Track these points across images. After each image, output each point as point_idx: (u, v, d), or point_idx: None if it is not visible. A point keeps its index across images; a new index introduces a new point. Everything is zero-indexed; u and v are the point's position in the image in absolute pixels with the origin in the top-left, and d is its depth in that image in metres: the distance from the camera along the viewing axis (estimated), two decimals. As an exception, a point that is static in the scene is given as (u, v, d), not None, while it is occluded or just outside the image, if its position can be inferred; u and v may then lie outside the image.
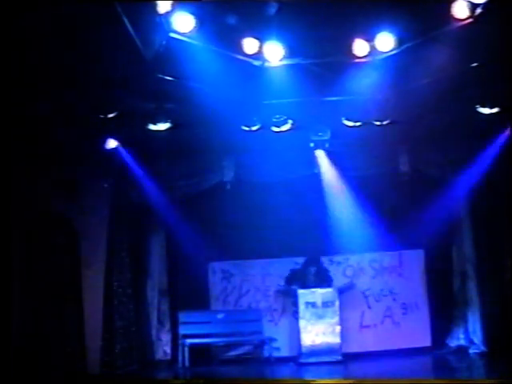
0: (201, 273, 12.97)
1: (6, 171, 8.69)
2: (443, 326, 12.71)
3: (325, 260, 13.16)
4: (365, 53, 8.79)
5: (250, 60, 8.79)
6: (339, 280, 12.97)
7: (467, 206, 12.60)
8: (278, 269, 13.16)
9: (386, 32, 8.49)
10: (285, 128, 10.76)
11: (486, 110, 10.29)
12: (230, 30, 8.33)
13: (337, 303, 12.40)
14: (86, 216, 11.30)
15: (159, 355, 12.55)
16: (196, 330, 12.40)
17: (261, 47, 8.65)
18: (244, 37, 8.54)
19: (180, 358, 12.15)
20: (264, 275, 13.14)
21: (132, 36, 7.65)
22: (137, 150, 11.28)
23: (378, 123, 10.72)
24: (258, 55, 8.74)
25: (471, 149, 11.59)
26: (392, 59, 8.78)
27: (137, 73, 8.69)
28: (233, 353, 12.69)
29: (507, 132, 11.12)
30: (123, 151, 11.17)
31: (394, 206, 12.45)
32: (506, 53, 8.48)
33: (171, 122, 10.44)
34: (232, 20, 8.15)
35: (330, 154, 11.90)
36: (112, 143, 10.91)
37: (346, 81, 9.28)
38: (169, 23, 7.93)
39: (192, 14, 7.94)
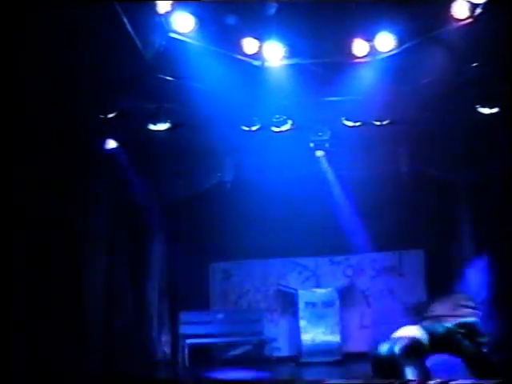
0: (201, 273, 12.96)
1: (6, 171, 8.68)
2: (443, 325, 12.69)
3: (325, 260, 13.17)
4: (365, 53, 8.81)
5: (250, 60, 8.80)
6: (339, 280, 12.97)
7: (467, 205, 12.59)
8: (278, 269, 13.17)
9: (386, 32, 8.50)
10: (285, 128, 10.76)
11: (486, 110, 10.29)
12: (229, 30, 8.36)
13: (337, 303, 12.41)
14: (86, 216, 11.28)
15: (159, 355, 12.54)
16: (196, 330, 12.40)
17: (260, 47, 8.67)
18: (244, 37, 8.56)
19: (180, 358, 12.15)
20: (264, 275, 13.14)
21: (132, 36, 7.66)
22: (137, 150, 11.27)
23: (377, 123, 10.72)
24: (258, 55, 8.75)
25: (471, 149, 11.58)
26: (392, 59, 8.78)
27: (137, 73, 8.69)
28: (233, 353, 12.69)
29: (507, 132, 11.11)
30: (123, 151, 11.15)
31: (394, 206, 12.44)
32: (506, 53, 8.48)
33: (171, 122, 10.44)
34: (232, 20, 8.17)
35: (330, 154, 11.90)
36: (112, 143, 10.90)
37: (346, 81, 9.28)
38: (169, 23, 7.95)
39: (192, 14, 7.96)
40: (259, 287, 13.16)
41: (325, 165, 12.07)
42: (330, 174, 12.22)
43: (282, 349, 12.74)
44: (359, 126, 10.82)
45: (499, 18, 7.90)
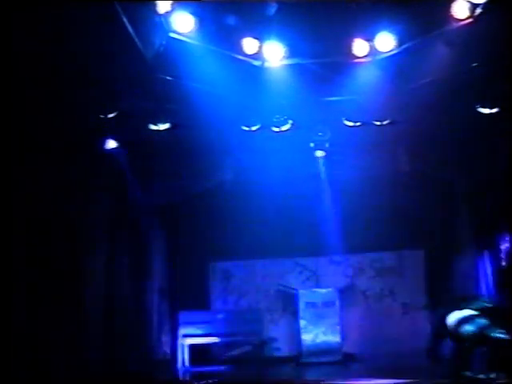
0: (201, 273, 12.96)
1: (6, 171, 8.68)
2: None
3: (325, 260, 13.17)
4: (365, 53, 8.81)
5: (250, 60, 8.80)
6: (339, 280, 12.97)
7: (467, 205, 12.59)
8: (278, 269, 13.17)
9: (386, 32, 8.51)
10: (285, 128, 10.76)
11: (486, 110, 10.29)
12: (229, 30, 8.36)
13: (337, 303, 12.41)
14: (86, 216, 11.28)
15: (159, 355, 12.54)
16: (196, 330, 12.40)
17: (260, 47, 8.67)
18: (244, 37, 8.56)
19: (180, 358, 12.15)
20: (264, 275, 13.14)
21: (132, 36, 7.66)
22: (137, 150, 11.28)
23: (378, 123, 10.73)
24: (258, 55, 8.76)
25: (471, 149, 11.58)
26: (392, 59, 8.79)
27: (137, 73, 8.69)
28: (233, 353, 12.68)
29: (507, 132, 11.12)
30: (123, 151, 11.15)
31: (394, 206, 12.44)
32: (506, 53, 8.49)
33: (171, 122, 10.45)
34: (232, 20, 8.17)
35: (330, 154, 11.90)
36: (112, 143, 10.91)
37: (346, 81, 9.29)
38: (169, 23, 7.95)
39: (192, 14, 7.96)
40: (259, 287, 13.16)
41: (325, 165, 12.08)
42: (330, 174, 12.22)
43: (282, 349, 12.74)
44: (359, 125, 10.83)
45: (499, 18, 7.91)
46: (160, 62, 8.43)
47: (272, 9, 7.98)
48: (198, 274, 12.89)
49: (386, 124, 10.73)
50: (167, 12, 7.86)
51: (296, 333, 12.48)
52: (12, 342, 8.83)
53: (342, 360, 12.02)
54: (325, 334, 12.29)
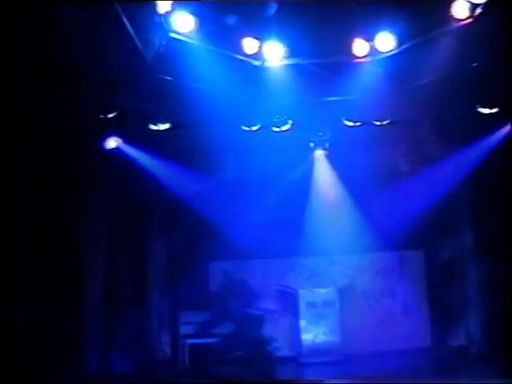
0: (201, 273, 12.96)
1: (6, 171, 8.68)
2: (443, 326, 12.71)
3: (325, 260, 13.17)
4: (365, 53, 8.82)
5: (250, 60, 8.81)
6: (339, 280, 12.97)
7: (467, 205, 12.59)
8: (278, 269, 13.16)
9: (386, 32, 8.51)
10: (285, 128, 10.77)
11: (486, 110, 10.30)
12: (229, 30, 8.36)
13: (337, 303, 12.40)
14: (86, 216, 11.29)
15: (159, 355, 12.53)
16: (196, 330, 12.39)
17: (261, 47, 8.67)
18: (244, 37, 8.56)
19: (180, 358, 12.15)
20: (264, 275, 13.13)
21: (132, 36, 7.67)
22: (137, 150, 11.28)
23: (378, 123, 10.73)
24: (258, 55, 8.76)
25: (471, 149, 11.58)
26: (392, 59, 8.79)
27: (137, 73, 8.70)
28: (233, 353, 12.67)
29: (506, 131, 11.13)
30: (123, 151, 11.16)
31: (394, 207, 12.44)
32: (506, 53, 8.50)
33: (171, 122, 10.45)
34: (232, 20, 8.17)
35: (330, 154, 11.91)
36: (112, 143, 10.91)
37: (346, 81, 9.29)
38: (169, 23, 7.95)
39: (192, 13, 7.96)
40: (259, 287, 13.15)
41: (325, 164, 12.09)
42: (330, 174, 12.22)
43: (282, 349, 12.71)
44: (359, 125, 10.84)
45: (499, 18, 7.91)
46: (160, 61, 8.44)
47: (272, 9, 7.98)
48: (198, 274, 12.88)
49: (386, 124, 10.74)
50: (167, 12, 7.86)
51: (296, 333, 12.47)
52: (12, 343, 8.83)
53: (342, 360, 12.02)
54: (325, 334, 12.28)
